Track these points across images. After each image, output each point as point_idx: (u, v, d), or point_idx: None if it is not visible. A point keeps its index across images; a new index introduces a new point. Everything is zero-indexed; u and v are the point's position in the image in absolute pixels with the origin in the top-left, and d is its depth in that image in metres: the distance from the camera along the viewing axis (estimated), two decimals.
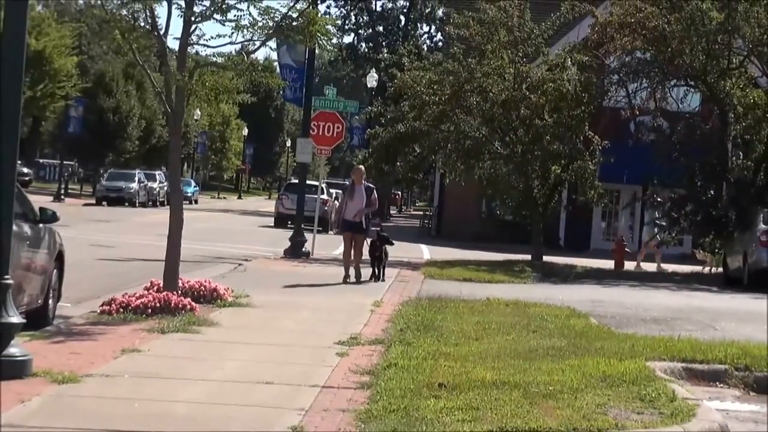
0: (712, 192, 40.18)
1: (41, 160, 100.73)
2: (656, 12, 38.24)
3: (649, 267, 40.27)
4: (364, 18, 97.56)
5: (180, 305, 17.57)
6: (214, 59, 19.98)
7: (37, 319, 15.54)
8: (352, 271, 25.94)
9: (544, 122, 38.11)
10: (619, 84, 40.78)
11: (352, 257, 25.95)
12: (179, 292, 18.44)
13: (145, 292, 18.20)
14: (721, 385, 14.26)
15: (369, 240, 26.51)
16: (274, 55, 44.38)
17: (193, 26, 18.71)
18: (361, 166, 29.17)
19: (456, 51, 39.85)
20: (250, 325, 17.46)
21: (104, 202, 71.19)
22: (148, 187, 76.40)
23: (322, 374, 12.84)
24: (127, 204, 70.90)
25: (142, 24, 19.24)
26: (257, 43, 19.81)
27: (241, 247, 37.65)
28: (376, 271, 26.21)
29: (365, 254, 26.49)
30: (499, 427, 9.67)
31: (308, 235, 33.96)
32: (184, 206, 20.08)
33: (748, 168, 39.68)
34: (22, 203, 15.15)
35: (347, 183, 30.73)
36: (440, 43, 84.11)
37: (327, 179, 70.80)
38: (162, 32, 18.94)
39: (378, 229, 27.30)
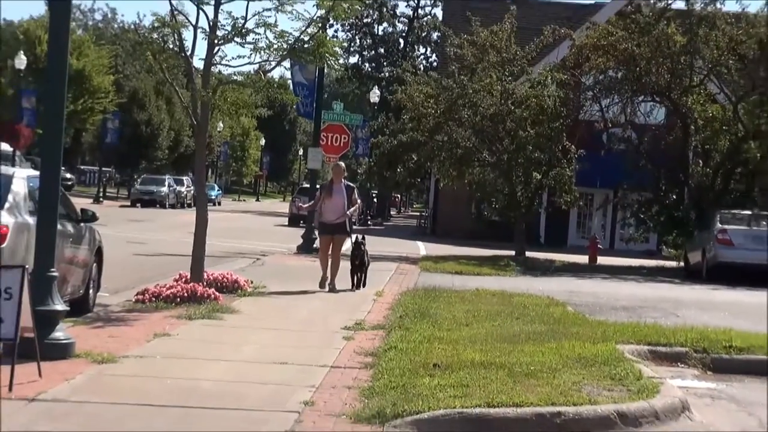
0: (674, 196, 40.37)
1: (82, 167, 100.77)
2: (626, 36, 38.36)
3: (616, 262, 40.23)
4: (368, 41, 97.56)
5: (205, 295, 17.62)
6: (235, 77, 20.05)
7: (79, 307, 15.60)
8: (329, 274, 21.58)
9: (527, 133, 38.19)
10: (594, 99, 40.88)
11: (329, 262, 21.61)
12: (204, 283, 18.50)
13: (175, 283, 18.23)
14: (682, 365, 14.28)
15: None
16: (288, 74, 44.39)
17: (216, 48, 18.77)
18: (341, 163, 24.29)
19: (453, 70, 40.01)
20: (267, 312, 17.49)
21: (138, 204, 71.29)
22: (176, 190, 76.49)
23: (331, 356, 12.87)
24: (158, 205, 71.01)
25: (171, 46, 19.27)
26: (273, 63, 19.84)
27: (259, 244, 37.64)
28: (356, 278, 21.91)
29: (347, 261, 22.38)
30: (486, 402, 9.69)
31: None
32: (208, 207, 20.13)
33: (707, 174, 39.79)
34: (66, 205, 15.21)
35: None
36: (435, 63, 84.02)
37: None
38: (189, 53, 18.99)
39: (360, 237, 22.27)
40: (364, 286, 21.97)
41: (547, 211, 47.71)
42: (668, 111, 41.49)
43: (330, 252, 21.61)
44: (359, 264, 21.92)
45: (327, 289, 21.27)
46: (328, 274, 21.51)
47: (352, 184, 22.85)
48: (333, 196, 21.74)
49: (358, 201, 23.05)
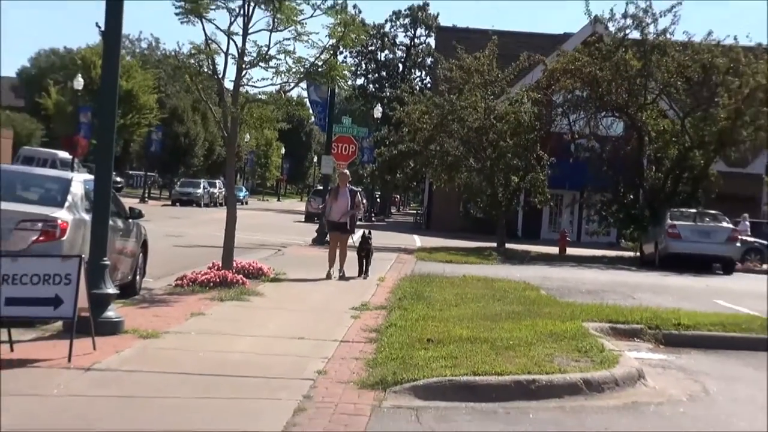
0: (631, 196, 40.43)
1: (130, 172, 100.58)
2: (590, 61, 38.48)
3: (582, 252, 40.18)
4: (372, 66, 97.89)
5: (234, 280, 17.61)
6: (260, 96, 20.03)
7: (128, 291, 15.58)
8: (336, 266, 21.25)
9: (506, 144, 38.27)
10: (563, 115, 41.01)
11: (337, 256, 21.36)
12: (234, 270, 18.48)
13: (208, 270, 18.21)
14: (638, 340, 14.30)
15: (356, 237, 22.18)
16: (304, 93, 44.32)
17: (244, 71, 18.75)
18: (346, 171, 24.35)
19: (443, 89, 40.09)
20: (287, 295, 17.46)
21: (177, 203, 71.19)
22: (210, 192, 76.36)
23: (341, 332, 12.85)
24: (194, 205, 70.94)
25: (206, 70, 19.28)
26: (292, 84, 19.80)
27: (280, 237, 37.63)
28: (362, 267, 21.62)
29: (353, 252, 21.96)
30: (472, 371, 9.69)
31: None
32: (237, 206, 20.12)
33: (659, 179, 39.93)
34: (116, 204, 15.21)
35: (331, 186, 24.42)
36: (429, 84, 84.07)
37: None
38: (220, 76, 18.98)
39: (367, 232, 22.23)
40: (367, 274, 21.53)
41: (523, 209, 47.84)
42: (626, 125, 41.56)
43: (338, 247, 21.38)
44: (365, 254, 21.76)
45: (338, 276, 20.91)
46: (337, 264, 21.21)
47: (355, 189, 22.49)
48: (339, 199, 21.61)
49: (363, 202, 22.68)
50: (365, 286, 19.67)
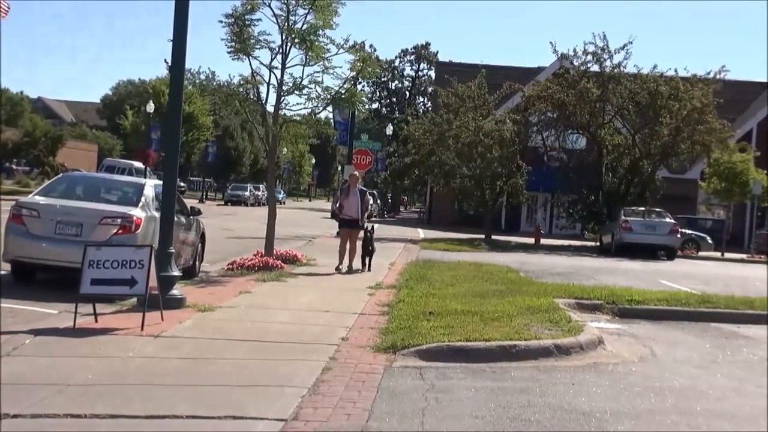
0: (593, 197, 40.36)
1: (191, 178, 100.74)
2: (559, 89, 38.51)
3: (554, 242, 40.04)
4: (384, 93, 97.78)
5: (274, 265, 17.61)
6: (295, 118, 20.03)
7: (189, 273, 15.55)
8: (346, 260, 18.87)
9: (492, 155, 38.22)
10: (537, 132, 41.01)
11: (347, 250, 18.95)
12: (274, 257, 18.48)
13: (253, 257, 18.23)
14: (598, 313, 14.24)
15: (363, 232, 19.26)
16: (330, 115, 44.40)
17: (282, 98, 18.75)
18: (356, 172, 21.50)
19: (441, 112, 40.14)
20: (316, 277, 17.41)
21: (229, 203, 71.11)
22: (255, 194, 76.18)
23: (359, 306, 12.82)
24: (243, 204, 70.84)
25: (252, 97, 19.31)
26: (320, 108, 19.78)
27: (311, 230, 37.61)
28: (366, 261, 19.02)
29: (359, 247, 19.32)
30: (465, 338, 9.65)
31: None
32: (276, 206, 20.10)
33: (614, 183, 39.92)
34: (180, 204, 15.16)
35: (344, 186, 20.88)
36: (429, 108, 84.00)
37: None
38: (263, 102, 19.01)
39: (369, 229, 19.41)
40: (369, 269, 18.87)
41: (506, 207, 47.73)
42: (588, 140, 41.53)
43: (349, 242, 19.04)
44: (370, 250, 19.12)
45: (346, 269, 18.56)
46: (346, 259, 18.86)
47: (364, 188, 20.53)
48: (349, 197, 19.35)
49: (371, 201, 20.42)
50: (379, 269, 19.55)
